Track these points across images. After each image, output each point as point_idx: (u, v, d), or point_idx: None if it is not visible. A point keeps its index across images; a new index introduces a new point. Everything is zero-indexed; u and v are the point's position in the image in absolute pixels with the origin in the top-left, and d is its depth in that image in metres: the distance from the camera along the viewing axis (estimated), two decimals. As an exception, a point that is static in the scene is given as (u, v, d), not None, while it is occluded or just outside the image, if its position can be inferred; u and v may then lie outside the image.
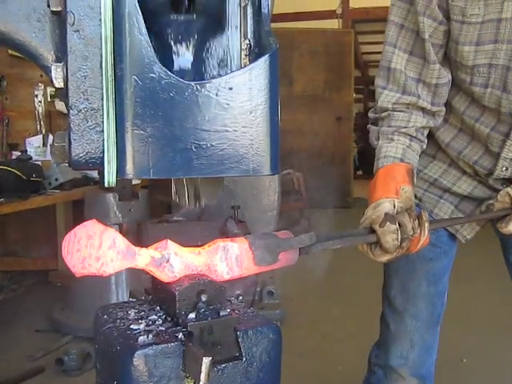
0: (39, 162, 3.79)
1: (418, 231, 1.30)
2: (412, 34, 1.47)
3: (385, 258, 1.31)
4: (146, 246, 0.91)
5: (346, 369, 3.01)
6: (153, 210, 3.73)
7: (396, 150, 1.44)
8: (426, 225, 1.30)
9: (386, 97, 1.50)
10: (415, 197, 1.57)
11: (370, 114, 1.56)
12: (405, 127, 1.47)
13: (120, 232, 3.05)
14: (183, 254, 0.92)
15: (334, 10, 8.88)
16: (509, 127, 1.47)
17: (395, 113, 1.48)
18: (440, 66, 1.46)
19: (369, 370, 1.87)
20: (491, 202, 1.46)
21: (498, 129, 1.49)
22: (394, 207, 1.30)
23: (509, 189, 1.43)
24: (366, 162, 12.56)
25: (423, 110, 1.49)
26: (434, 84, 1.48)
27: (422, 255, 1.65)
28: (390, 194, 1.33)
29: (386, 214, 1.27)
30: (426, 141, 1.53)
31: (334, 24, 8.92)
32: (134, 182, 3.63)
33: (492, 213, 1.45)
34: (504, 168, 1.52)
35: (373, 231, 1.28)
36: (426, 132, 1.52)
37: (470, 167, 1.60)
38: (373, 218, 1.29)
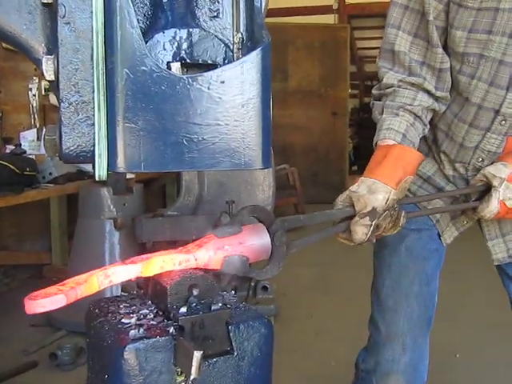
0: (33, 156, 3.78)
1: (388, 232, 1.32)
2: (417, 15, 1.43)
3: (343, 241, 1.32)
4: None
5: (340, 364, 3.01)
6: (147, 204, 3.72)
7: (400, 125, 1.40)
8: (398, 229, 1.33)
9: (392, 75, 1.46)
10: (409, 191, 1.57)
11: (374, 91, 1.52)
12: (410, 104, 1.43)
13: (114, 226, 3.02)
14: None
15: (331, 5, 8.86)
16: (489, 122, 1.44)
17: (401, 89, 1.45)
18: (443, 51, 1.43)
19: (356, 376, 1.77)
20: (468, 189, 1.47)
21: (477, 125, 1.46)
22: (387, 202, 1.29)
23: (483, 171, 1.41)
24: (362, 158, 12.58)
25: (428, 92, 1.46)
26: (438, 68, 1.44)
27: (415, 254, 1.63)
28: (392, 182, 1.30)
29: (372, 209, 1.26)
30: (429, 126, 1.50)
31: (330, 19, 8.91)
32: (128, 176, 3.62)
33: (468, 203, 1.46)
34: (480, 159, 1.49)
35: (351, 206, 1.29)
36: (429, 116, 1.49)
37: (451, 168, 1.57)
38: (359, 206, 1.27)
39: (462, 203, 1.50)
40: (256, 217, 1.08)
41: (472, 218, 1.57)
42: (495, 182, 1.37)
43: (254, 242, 1.03)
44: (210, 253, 0.96)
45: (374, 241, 1.31)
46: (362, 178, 1.34)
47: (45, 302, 0.82)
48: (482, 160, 1.49)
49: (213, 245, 0.97)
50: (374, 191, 1.29)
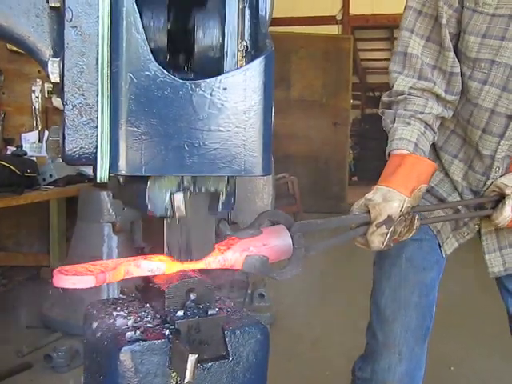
0: (34, 158, 3.79)
1: (404, 236, 1.36)
2: (430, 19, 1.46)
3: (360, 245, 1.37)
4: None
5: (335, 374, 3.01)
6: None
7: (411, 134, 1.44)
8: (413, 232, 1.37)
9: (402, 81, 1.49)
10: None
11: (384, 98, 1.55)
12: (421, 113, 1.46)
13: (113, 230, 3.05)
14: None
15: (334, 16, 8.91)
16: (503, 128, 1.46)
17: (412, 97, 1.48)
18: (454, 55, 1.46)
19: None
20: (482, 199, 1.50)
21: (490, 130, 1.48)
22: (401, 209, 1.33)
23: (496, 182, 1.46)
24: (362, 168, 12.60)
25: (438, 97, 1.49)
26: (449, 72, 1.47)
27: (415, 264, 1.64)
28: (406, 190, 1.35)
29: (388, 217, 1.30)
30: (438, 133, 1.53)
31: (333, 29, 8.96)
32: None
33: (482, 210, 1.50)
34: (497, 169, 1.50)
35: (367, 213, 1.33)
36: (438, 123, 1.52)
37: (463, 178, 1.58)
38: (375, 213, 1.32)
39: (478, 210, 1.53)
40: (276, 220, 1.11)
41: (474, 230, 1.59)
42: (508, 191, 1.42)
43: (276, 242, 1.07)
44: (236, 254, 1.00)
45: (392, 245, 1.35)
46: (377, 186, 1.38)
47: (75, 279, 0.83)
48: (499, 169, 1.51)
49: (239, 246, 1.01)
50: (389, 199, 1.33)
